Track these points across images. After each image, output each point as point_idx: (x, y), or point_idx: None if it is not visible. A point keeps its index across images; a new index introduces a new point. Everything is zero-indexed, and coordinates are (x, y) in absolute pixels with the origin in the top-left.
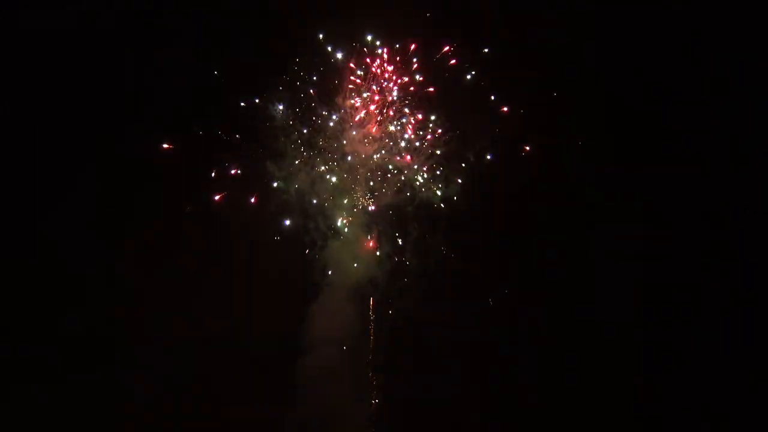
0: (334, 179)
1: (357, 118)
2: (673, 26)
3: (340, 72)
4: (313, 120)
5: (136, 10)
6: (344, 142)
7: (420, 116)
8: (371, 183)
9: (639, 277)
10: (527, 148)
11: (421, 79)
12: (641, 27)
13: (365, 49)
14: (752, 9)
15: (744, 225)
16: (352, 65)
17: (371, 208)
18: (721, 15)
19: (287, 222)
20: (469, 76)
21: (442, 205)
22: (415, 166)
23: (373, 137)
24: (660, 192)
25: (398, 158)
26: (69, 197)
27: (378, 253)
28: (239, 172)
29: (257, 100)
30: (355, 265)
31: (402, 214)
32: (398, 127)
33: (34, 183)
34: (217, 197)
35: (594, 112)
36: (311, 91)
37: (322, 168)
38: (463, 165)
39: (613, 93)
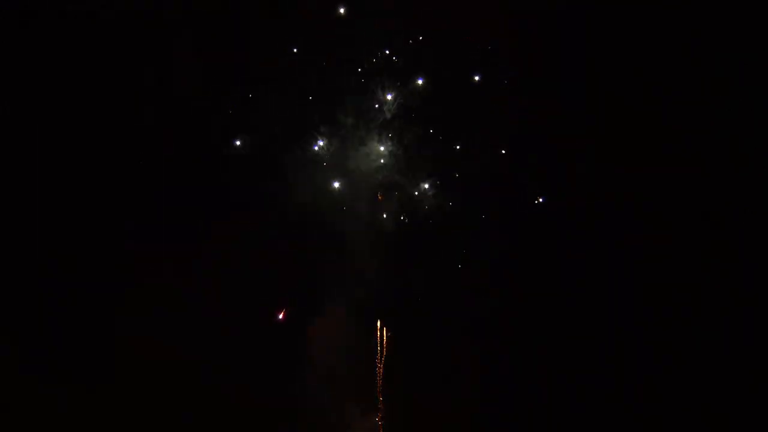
0: (335, 194)
1: (357, 135)
2: (673, 26)
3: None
4: (313, 136)
5: (136, 11)
6: (345, 157)
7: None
8: (375, 199)
9: (639, 278)
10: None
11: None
12: (640, 26)
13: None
14: (752, 9)
15: (744, 225)
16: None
17: (374, 223)
18: (722, 15)
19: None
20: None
21: (446, 219)
22: (419, 182)
23: (374, 154)
24: (660, 192)
25: (401, 174)
26: (73, 199)
27: (382, 269)
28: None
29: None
30: (358, 280)
31: (406, 230)
32: (400, 143)
33: (34, 183)
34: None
35: (593, 112)
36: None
37: (323, 183)
38: (467, 178)
39: (612, 93)
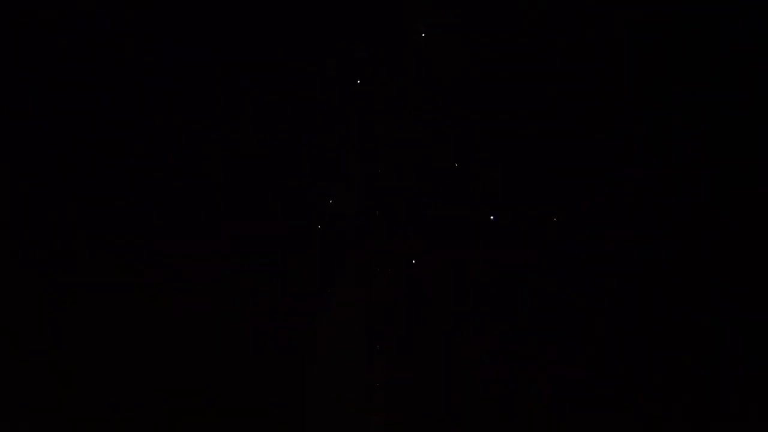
0: (334, 195)
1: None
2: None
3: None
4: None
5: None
6: (345, 158)
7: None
8: (374, 199)
9: (640, 278)
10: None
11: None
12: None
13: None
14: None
15: (744, 225)
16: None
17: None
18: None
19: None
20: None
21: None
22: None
23: (373, 152)
24: (660, 191)
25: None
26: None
27: (382, 269)
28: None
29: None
30: (358, 275)
31: (408, 226)
32: (399, 142)
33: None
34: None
35: (590, 112)
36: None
37: (323, 183)
38: (465, 176)
39: (610, 92)
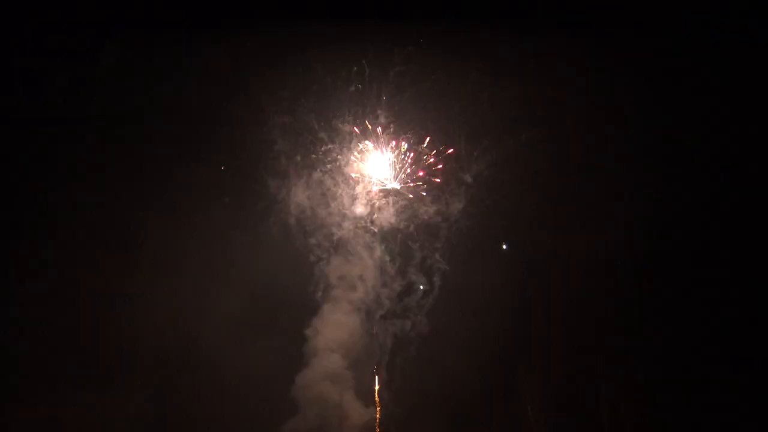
0: (335, 197)
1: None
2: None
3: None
4: (314, 142)
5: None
6: (345, 163)
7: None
8: (374, 203)
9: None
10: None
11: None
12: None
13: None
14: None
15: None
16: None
17: (373, 227)
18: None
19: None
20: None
21: (442, 224)
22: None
23: (373, 162)
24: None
25: (399, 182)
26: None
27: (381, 270)
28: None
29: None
30: (358, 280)
31: (404, 233)
32: (397, 156)
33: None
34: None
35: (588, 117)
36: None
37: (325, 186)
38: (461, 185)
39: (608, 95)
